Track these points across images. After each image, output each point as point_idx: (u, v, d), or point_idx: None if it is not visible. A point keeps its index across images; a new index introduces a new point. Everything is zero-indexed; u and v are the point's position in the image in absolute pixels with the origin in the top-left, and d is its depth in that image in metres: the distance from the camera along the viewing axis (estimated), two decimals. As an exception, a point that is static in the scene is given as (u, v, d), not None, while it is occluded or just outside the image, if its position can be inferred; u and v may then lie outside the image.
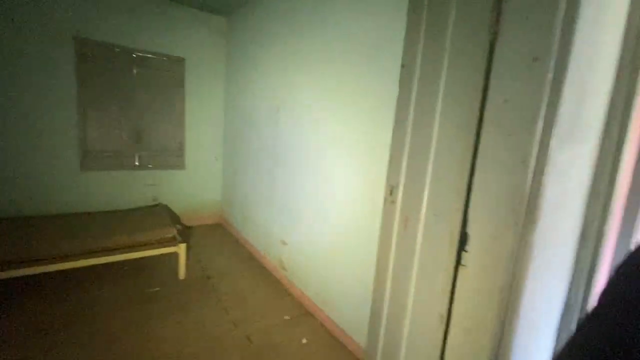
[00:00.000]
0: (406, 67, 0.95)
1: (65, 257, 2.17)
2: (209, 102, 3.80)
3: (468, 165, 0.80)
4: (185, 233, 3.36)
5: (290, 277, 2.55)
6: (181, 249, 2.58)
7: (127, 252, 2.38)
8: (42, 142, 2.89)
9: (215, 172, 4.01)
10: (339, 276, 2.03)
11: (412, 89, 0.93)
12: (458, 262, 0.83)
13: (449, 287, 0.85)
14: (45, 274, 2.19)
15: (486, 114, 0.75)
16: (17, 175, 2.81)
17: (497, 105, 0.73)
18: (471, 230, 0.80)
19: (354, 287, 1.90)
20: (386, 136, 1.65)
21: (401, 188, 0.98)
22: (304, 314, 2.27)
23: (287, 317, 2.21)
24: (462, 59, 0.80)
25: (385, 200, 1.04)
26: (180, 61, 3.51)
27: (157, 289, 2.44)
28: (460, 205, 0.81)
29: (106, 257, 2.30)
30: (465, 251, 0.81)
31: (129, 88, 3.26)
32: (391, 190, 1.02)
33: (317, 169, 2.21)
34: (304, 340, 1.97)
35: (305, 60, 2.30)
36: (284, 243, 2.65)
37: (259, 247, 3.11)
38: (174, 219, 2.98)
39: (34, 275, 2.17)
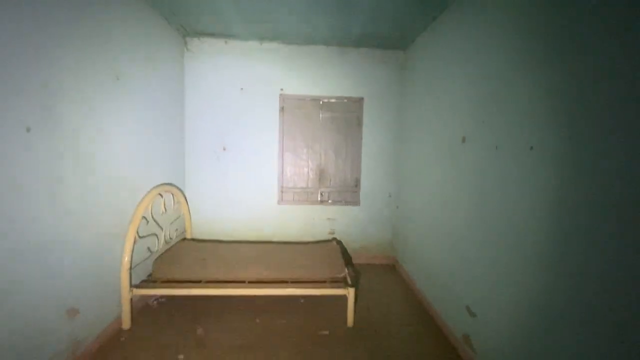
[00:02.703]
0: None
1: (253, 284, 2.48)
2: (384, 138, 3.71)
3: None
4: (356, 276, 3.27)
5: (481, 365, 1.88)
6: (350, 293, 2.44)
7: (301, 287, 2.48)
8: (252, 178, 3.63)
9: (389, 210, 3.80)
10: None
11: None
12: None
13: None
14: (236, 295, 2.57)
15: None
16: (229, 204, 3.62)
17: None
18: None
19: None
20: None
21: None
22: None
23: None
24: None
25: None
26: (359, 101, 3.63)
27: (326, 332, 2.37)
28: None
29: (283, 290, 2.46)
30: None
31: (316, 131, 3.64)
32: None
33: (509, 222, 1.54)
34: None
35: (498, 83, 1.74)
36: (471, 313, 2.02)
37: (437, 305, 2.56)
38: (347, 259, 2.93)
39: (229, 295, 2.58)
